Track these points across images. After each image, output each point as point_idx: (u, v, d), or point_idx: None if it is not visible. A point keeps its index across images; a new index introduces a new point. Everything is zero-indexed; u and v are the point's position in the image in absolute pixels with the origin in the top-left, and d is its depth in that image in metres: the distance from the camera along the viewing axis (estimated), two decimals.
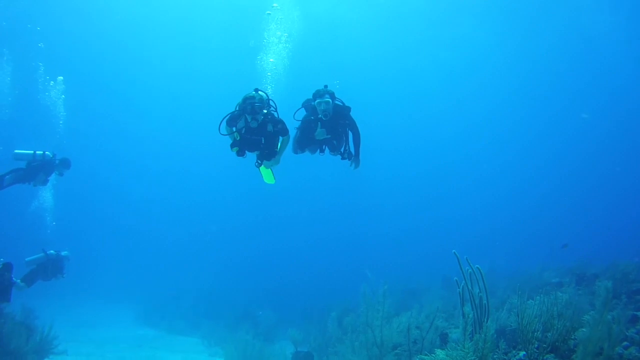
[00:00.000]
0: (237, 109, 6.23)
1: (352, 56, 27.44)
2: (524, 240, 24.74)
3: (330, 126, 6.60)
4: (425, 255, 22.33)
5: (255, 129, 6.21)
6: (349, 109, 6.69)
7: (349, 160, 6.81)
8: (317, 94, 6.47)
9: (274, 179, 7.43)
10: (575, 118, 31.25)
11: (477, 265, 5.39)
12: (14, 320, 8.24)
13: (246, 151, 6.43)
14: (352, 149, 6.81)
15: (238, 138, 6.29)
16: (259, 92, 6.19)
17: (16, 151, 8.34)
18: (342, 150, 6.86)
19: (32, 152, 8.36)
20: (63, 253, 8.97)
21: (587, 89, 29.30)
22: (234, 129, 6.33)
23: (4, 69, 17.97)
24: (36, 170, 8.31)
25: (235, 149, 6.29)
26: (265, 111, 6.19)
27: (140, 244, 28.00)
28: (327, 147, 6.93)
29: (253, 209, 29.14)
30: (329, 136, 6.65)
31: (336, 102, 6.59)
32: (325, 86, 6.55)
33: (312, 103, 6.57)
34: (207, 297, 16.59)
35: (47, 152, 8.49)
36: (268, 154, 6.53)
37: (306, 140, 6.81)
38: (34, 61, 19.45)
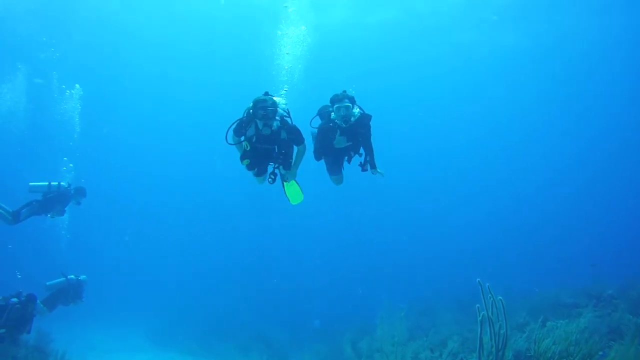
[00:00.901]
0: (246, 114, 5.65)
1: (365, 63, 27.44)
2: (535, 247, 24.42)
3: (349, 134, 6.07)
4: (438, 263, 22.20)
5: (267, 137, 5.58)
6: (369, 117, 6.14)
7: (370, 170, 6.28)
8: (336, 99, 5.96)
9: (302, 194, 6.60)
10: (592, 123, 30.85)
11: (500, 297, 5.39)
12: (27, 345, 8.26)
13: (257, 167, 5.81)
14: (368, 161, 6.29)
15: (248, 148, 5.64)
16: (270, 96, 5.59)
17: (31, 184, 8.38)
18: (362, 160, 6.32)
19: (47, 183, 8.39)
20: (82, 277, 9.05)
21: (600, 93, 29.11)
22: (242, 138, 5.73)
23: (20, 83, 18.29)
24: (52, 202, 8.37)
25: (246, 161, 5.63)
26: (278, 117, 5.59)
27: (150, 259, 28.07)
28: (346, 160, 6.45)
29: (263, 219, 29.10)
30: (350, 143, 6.13)
31: (356, 109, 6.06)
32: (344, 91, 6.04)
33: (330, 109, 6.08)
34: (218, 314, 16.53)
35: (62, 183, 8.54)
36: (282, 164, 5.93)
37: (324, 150, 6.26)
38: (49, 72, 19.72)
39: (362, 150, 6.32)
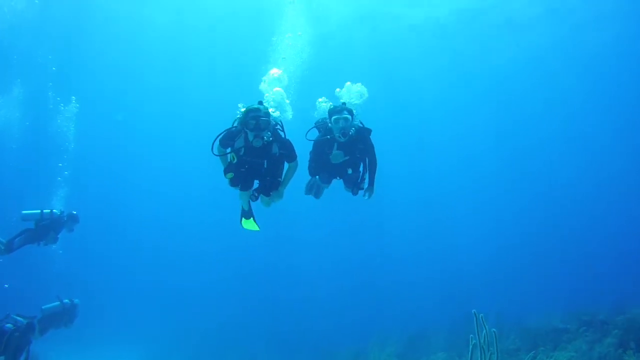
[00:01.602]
0: (236, 124, 5.22)
1: (364, 74, 27.41)
2: (529, 267, 24.39)
3: (347, 149, 5.72)
4: (433, 280, 22.13)
5: (257, 150, 5.11)
6: (369, 131, 5.83)
7: (364, 195, 6.00)
8: (335, 110, 5.61)
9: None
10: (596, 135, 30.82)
11: (494, 329, 5.43)
12: None
13: (241, 183, 5.31)
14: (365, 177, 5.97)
15: (235, 160, 5.18)
16: (265, 106, 5.19)
17: (24, 212, 8.29)
18: (358, 180, 5.94)
19: (40, 211, 8.32)
20: (76, 301, 8.99)
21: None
22: (229, 149, 5.27)
23: (17, 98, 18.31)
24: (46, 229, 8.30)
25: (230, 174, 5.16)
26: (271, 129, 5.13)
27: (144, 273, 27.79)
28: (340, 178, 6.08)
29: (255, 237, 28.90)
30: (347, 157, 5.74)
31: (355, 122, 5.71)
32: (344, 103, 5.71)
33: (328, 121, 5.72)
34: (212, 338, 16.36)
35: (54, 210, 8.47)
36: (270, 182, 5.39)
37: (319, 165, 5.91)
38: (45, 85, 19.69)
39: (361, 168, 5.97)
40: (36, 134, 21.47)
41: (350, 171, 5.96)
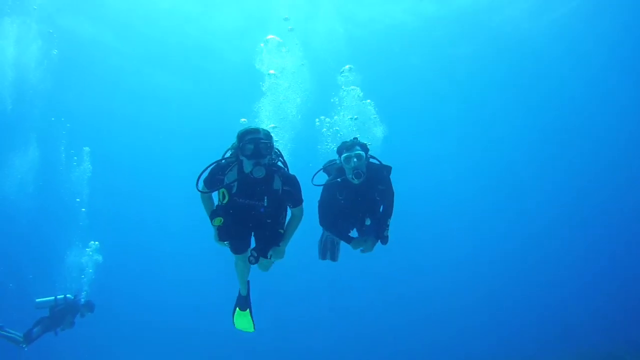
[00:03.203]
0: (226, 156, 4.16)
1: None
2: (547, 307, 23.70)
3: (362, 194, 4.81)
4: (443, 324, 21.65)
5: (256, 184, 3.96)
6: (389, 168, 4.88)
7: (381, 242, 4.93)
8: (345, 147, 4.72)
9: (253, 326, 4.88)
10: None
11: None
12: None
13: (232, 236, 4.05)
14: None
15: (225, 200, 3.98)
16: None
17: (37, 300, 8.31)
18: (381, 230, 4.90)
19: (54, 297, 8.34)
20: None
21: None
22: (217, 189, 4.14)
23: (33, 158, 18.68)
24: (62, 315, 8.31)
25: (218, 220, 3.87)
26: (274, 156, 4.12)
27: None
28: (358, 230, 5.14)
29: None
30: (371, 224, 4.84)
31: (370, 159, 4.86)
32: (355, 138, 4.83)
33: (338, 160, 4.86)
34: None
35: (67, 295, 8.49)
36: (268, 236, 4.17)
37: (333, 214, 4.94)
38: (58, 142, 20.03)
39: (377, 216, 5.05)
40: (50, 193, 21.85)
41: (368, 222, 4.99)
